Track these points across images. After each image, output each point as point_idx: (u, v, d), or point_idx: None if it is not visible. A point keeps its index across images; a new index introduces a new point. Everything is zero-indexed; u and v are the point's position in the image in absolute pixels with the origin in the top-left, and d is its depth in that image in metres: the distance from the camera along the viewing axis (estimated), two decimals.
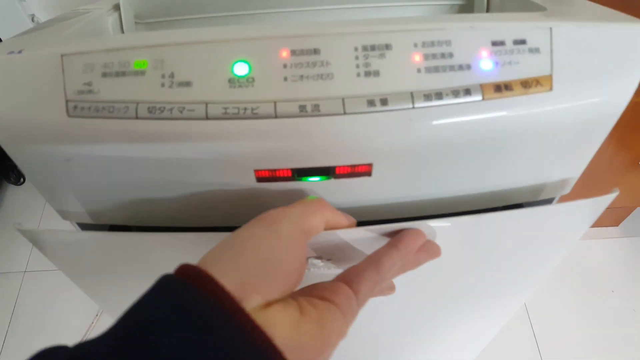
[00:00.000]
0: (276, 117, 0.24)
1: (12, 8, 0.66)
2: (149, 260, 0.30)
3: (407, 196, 0.29)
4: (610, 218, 1.12)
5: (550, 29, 0.26)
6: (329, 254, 0.29)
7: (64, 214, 0.29)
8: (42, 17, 0.69)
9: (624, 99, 0.26)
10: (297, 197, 0.28)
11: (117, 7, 0.34)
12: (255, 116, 0.24)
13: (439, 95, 0.24)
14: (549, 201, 0.32)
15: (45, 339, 0.83)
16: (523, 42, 0.25)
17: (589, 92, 0.25)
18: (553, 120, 0.26)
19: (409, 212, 0.30)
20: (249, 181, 0.26)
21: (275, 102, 0.24)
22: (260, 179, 0.26)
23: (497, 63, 0.25)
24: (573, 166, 0.30)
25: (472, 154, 0.26)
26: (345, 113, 0.24)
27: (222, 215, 0.29)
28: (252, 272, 0.18)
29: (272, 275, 0.19)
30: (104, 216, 0.29)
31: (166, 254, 0.29)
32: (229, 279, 0.17)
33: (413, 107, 0.24)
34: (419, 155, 0.26)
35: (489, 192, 0.30)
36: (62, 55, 0.24)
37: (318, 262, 0.30)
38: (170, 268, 0.28)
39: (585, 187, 0.96)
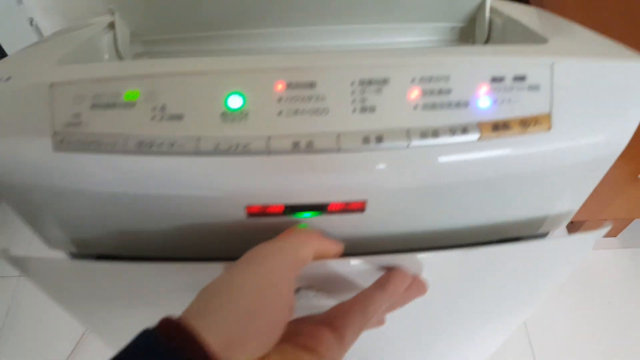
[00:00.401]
0: (269, 153, 0.23)
1: (10, 11, 0.66)
2: (140, 289, 0.29)
3: (401, 230, 0.29)
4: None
5: (552, 65, 0.25)
6: (320, 284, 0.29)
7: (51, 244, 0.29)
8: (40, 21, 0.68)
9: (625, 138, 0.26)
10: (289, 227, 0.28)
11: (112, 25, 0.33)
12: (248, 152, 0.23)
13: (436, 134, 0.24)
14: (545, 235, 0.32)
15: (38, 344, 0.83)
16: (523, 78, 0.25)
17: (588, 131, 0.25)
18: (551, 160, 0.25)
19: (403, 245, 0.29)
20: (240, 216, 0.25)
21: (268, 138, 0.23)
22: (251, 215, 0.25)
23: (495, 100, 0.25)
24: (571, 202, 0.29)
25: (468, 192, 0.26)
26: (339, 150, 0.24)
27: (212, 246, 0.28)
28: (239, 326, 0.18)
29: (260, 327, 0.18)
30: (91, 247, 0.29)
31: (157, 283, 0.28)
32: (215, 336, 0.17)
33: (409, 146, 0.24)
34: (414, 193, 0.25)
35: (485, 226, 0.29)
36: (51, 85, 0.24)
37: (309, 292, 0.29)
38: (161, 297, 0.27)
39: (589, 199, 0.96)
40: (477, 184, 0.25)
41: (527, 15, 0.34)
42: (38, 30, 0.68)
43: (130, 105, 0.23)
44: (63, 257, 0.30)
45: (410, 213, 0.27)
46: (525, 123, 0.24)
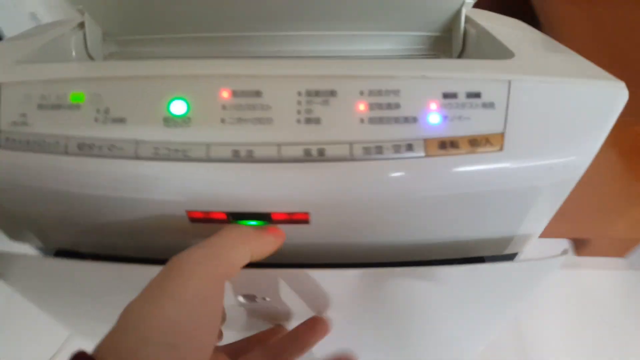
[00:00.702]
0: (208, 160, 0.23)
1: (13, 5, 0.67)
2: (99, 287, 0.29)
3: (352, 243, 0.28)
4: (616, 248, 1.08)
5: (509, 82, 0.24)
6: (263, 292, 0.28)
7: (12, 236, 0.29)
8: (42, 15, 0.70)
9: (585, 161, 0.25)
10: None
11: (83, 25, 0.34)
12: (187, 159, 0.23)
13: (379, 150, 0.23)
14: (511, 257, 0.31)
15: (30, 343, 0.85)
16: (477, 95, 0.24)
17: (544, 153, 0.24)
18: (503, 182, 0.24)
19: (354, 258, 0.29)
20: (184, 221, 0.25)
21: (209, 145, 0.23)
22: (193, 220, 0.25)
23: (445, 117, 0.24)
24: (534, 224, 0.28)
25: (416, 209, 0.25)
26: (280, 161, 0.23)
27: (172, 246, 0.28)
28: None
29: (182, 357, 0.17)
30: (52, 242, 0.29)
31: (114, 283, 0.28)
32: None
33: (351, 160, 0.23)
34: (358, 207, 0.25)
35: (444, 244, 0.29)
36: (1, 84, 0.24)
37: (254, 302, 0.29)
38: (119, 296, 0.27)
39: (593, 217, 0.93)
40: (426, 202, 0.25)
41: (503, 28, 0.33)
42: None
43: (75, 107, 0.24)
44: (32, 252, 0.31)
45: (357, 228, 0.26)
46: (476, 142, 0.23)
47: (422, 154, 0.23)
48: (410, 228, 0.27)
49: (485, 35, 0.32)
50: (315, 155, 0.23)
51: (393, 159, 0.23)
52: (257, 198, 0.24)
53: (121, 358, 0.16)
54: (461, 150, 0.23)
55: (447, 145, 0.23)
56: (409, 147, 0.23)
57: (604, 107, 0.24)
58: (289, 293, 0.27)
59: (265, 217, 0.25)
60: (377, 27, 0.36)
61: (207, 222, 0.26)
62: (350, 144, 0.23)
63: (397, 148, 0.23)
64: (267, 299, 0.28)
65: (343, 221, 0.26)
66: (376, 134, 0.23)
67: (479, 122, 0.24)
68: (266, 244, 0.23)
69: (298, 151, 0.23)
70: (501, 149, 0.23)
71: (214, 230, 0.26)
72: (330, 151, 0.23)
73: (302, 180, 0.23)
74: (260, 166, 0.23)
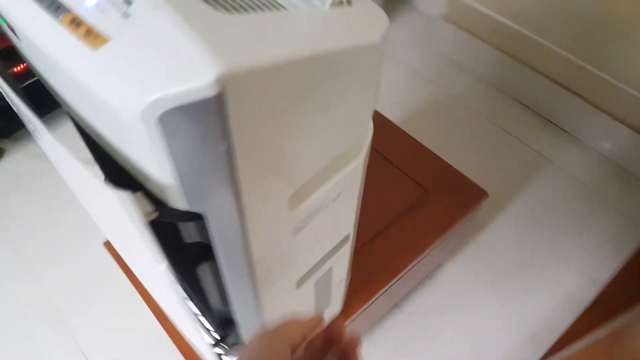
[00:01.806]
0: None
1: None
2: None
3: None
4: None
5: (160, 9, 0.23)
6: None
7: None
8: None
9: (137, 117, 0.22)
10: None
11: None
12: None
13: None
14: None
15: None
16: (130, 3, 0.24)
17: (125, 81, 0.23)
18: (88, 80, 0.24)
19: None
20: None
21: None
22: None
23: (97, 6, 0.25)
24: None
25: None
26: None
27: None
28: None
29: None
30: None
31: None
32: None
33: None
34: None
35: None
36: None
37: None
38: None
39: None
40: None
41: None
42: None
43: None
44: None
45: None
46: (89, 33, 0.24)
47: (57, 21, 0.25)
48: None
49: None
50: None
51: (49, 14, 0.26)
52: None
53: None
54: (79, 32, 0.24)
55: (74, 23, 0.25)
56: (59, 10, 0.26)
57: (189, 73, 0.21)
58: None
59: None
60: None
61: None
62: None
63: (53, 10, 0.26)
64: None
65: None
66: None
67: (110, 23, 0.24)
68: (311, 329, 0.28)
69: None
70: (97, 49, 0.23)
71: None
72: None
73: None
74: None
